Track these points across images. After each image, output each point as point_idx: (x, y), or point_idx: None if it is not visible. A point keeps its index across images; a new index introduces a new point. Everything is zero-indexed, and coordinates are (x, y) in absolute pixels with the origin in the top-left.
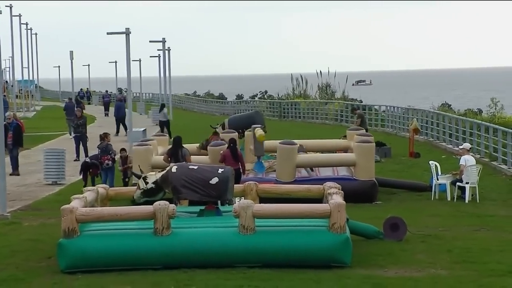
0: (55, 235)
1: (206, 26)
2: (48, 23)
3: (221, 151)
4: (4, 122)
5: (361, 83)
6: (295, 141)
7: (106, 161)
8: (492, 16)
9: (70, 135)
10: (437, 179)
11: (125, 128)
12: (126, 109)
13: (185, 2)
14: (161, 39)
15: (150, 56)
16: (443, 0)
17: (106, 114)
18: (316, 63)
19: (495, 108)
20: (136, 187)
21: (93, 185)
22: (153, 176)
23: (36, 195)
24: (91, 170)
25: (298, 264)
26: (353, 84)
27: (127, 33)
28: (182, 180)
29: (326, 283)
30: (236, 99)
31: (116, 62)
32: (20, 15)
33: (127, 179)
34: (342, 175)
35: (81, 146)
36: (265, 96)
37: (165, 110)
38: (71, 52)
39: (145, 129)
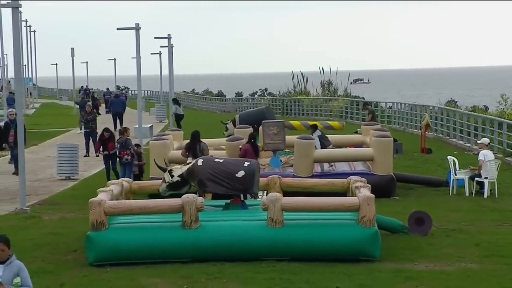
0: (76, 229)
1: (202, 25)
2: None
3: (240, 146)
4: (6, 119)
5: (359, 82)
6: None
7: (126, 156)
8: (491, 15)
9: (81, 130)
10: (455, 174)
11: (121, 124)
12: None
13: (183, 2)
14: (166, 36)
15: (151, 53)
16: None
17: (108, 111)
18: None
19: (505, 105)
20: (161, 180)
21: (117, 177)
22: (179, 170)
23: (51, 190)
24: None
25: (326, 258)
26: (351, 83)
27: (137, 28)
28: (208, 173)
29: (358, 277)
30: (235, 96)
31: (115, 59)
32: (20, 12)
33: (141, 178)
34: (359, 170)
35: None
36: (265, 93)
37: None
38: (72, 49)
39: (151, 126)
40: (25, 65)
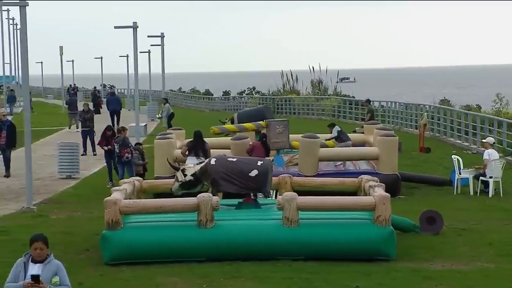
0: (85, 228)
1: (189, 23)
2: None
3: (251, 142)
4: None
5: (345, 80)
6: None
7: (126, 155)
8: (480, 15)
9: (69, 128)
10: (460, 173)
11: (118, 121)
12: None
13: (172, 2)
14: (159, 34)
15: (141, 52)
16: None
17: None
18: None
19: (500, 104)
20: (174, 179)
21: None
22: (192, 169)
23: (54, 188)
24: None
25: (342, 257)
26: (337, 82)
27: (134, 27)
28: (221, 172)
29: (376, 276)
30: (223, 95)
31: (101, 58)
32: (8, 10)
33: (144, 177)
34: (363, 169)
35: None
36: (253, 92)
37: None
38: (61, 48)
39: (146, 124)
40: (8, 63)
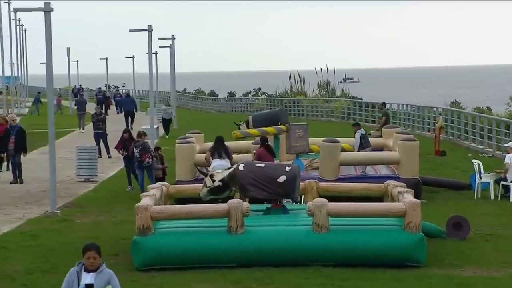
0: (111, 232)
1: (192, 23)
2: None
3: (254, 150)
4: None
5: (349, 80)
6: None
7: (147, 159)
8: (485, 14)
9: (79, 128)
10: (480, 178)
11: (132, 123)
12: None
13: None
14: (170, 36)
15: (146, 53)
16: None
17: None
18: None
19: None
20: (202, 184)
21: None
22: (220, 174)
23: (73, 192)
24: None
25: (372, 263)
26: (340, 82)
27: (149, 30)
28: (250, 178)
29: (408, 283)
30: (228, 96)
31: (107, 59)
32: (9, 4)
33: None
34: (384, 173)
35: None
36: (259, 93)
37: (168, 108)
38: (68, 49)
39: (157, 127)
40: (14, 64)
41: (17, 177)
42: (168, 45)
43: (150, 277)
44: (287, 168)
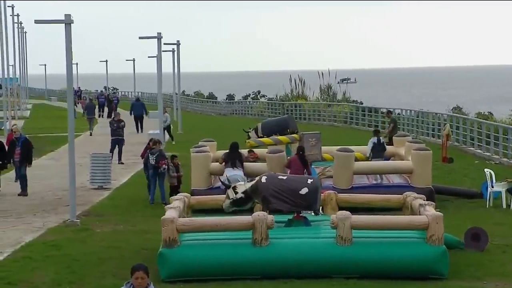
0: (132, 242)
1: (190, 24)
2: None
3: (288, 157)
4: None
5: (346, 81)
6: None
7: (163, 166)
8: (480, 15)
9: (90, 129)
10: (492, 187)
11: (141, 126)
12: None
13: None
14: (175, 42)
15: (149, 57)
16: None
17: (101, 115)
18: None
19: None
20: (225, 196)
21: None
22: (243, 186)
23: (88, 199)
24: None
25: (395, 276)
26: (338, 82)
27: (158, 37)
28: (272, 190)
29: None
30: (227, 99)
31: (107, 61)
32: (18, 15)
33: (179, 190)
34: (397, 182)
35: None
36: (258, 96)
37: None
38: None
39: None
40: (12, 65)
41: (24, 189)
42: (171, 49)
43: None
44: (309, 181)
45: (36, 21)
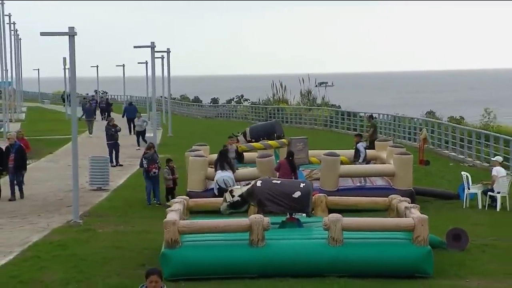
0: (133, 242)
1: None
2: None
3: (278, 161)
4: (7, 144)
5: (324, 85)
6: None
7: (153, 170)
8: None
9: (90, 133)
10: (469, 188)
11: (134, 128)
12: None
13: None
14: (165, 49)
15: (138, 63)
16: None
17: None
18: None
19: (488, 118)
20: (222, 199)
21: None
22: (239, 190)
23: (88, 200)
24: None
25: (384, 275)
26: (316, 86)
27: (152, 46)
28: (267, 193)
29: None
30: (211, 102)
31: (97, 66)
32: (14, 23)
33: (174, 191)
34: (379, 184)
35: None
36: (242, 100)
37: (142, 118)
38: (64, 59)
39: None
40: (7, 70)
41: (16, 192)
42: (161, 56)
43: None
44: (301, 185)
45: (42, 33)
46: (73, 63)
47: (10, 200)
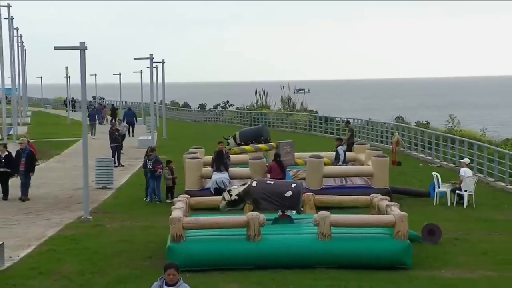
0: (140, 237)
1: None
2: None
3: (267, 163)
4: (18, 148)
5: (301, 91)
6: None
7: (159, 170)
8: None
9: (92, 135)
10: (439, 187)
11: (132, 132)
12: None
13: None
14: (160, 60)
15: (134, 72)
16: None
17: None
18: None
19: (453, 123)
20: (221, 197)
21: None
22: (236, 189)
23: (95, 198)
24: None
25: (367, 266)
26: (294, 92)
27: (150, 58)
28: (261, 193)
29: (402, 283)
30: (199, 107)
31: (96, 75)
32: (21, 35)
33: (173, 190)
34: (359, 184)
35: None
36: (227, 105)
37: (124, 123)
38: (67, 68)
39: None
40: (10, 78)
41: (24, 194)
42: (155, 66)
43: (185, 278)
44: (293, 185)
45: (56, 48)
46: (84, 74)
47: (21, 199)
